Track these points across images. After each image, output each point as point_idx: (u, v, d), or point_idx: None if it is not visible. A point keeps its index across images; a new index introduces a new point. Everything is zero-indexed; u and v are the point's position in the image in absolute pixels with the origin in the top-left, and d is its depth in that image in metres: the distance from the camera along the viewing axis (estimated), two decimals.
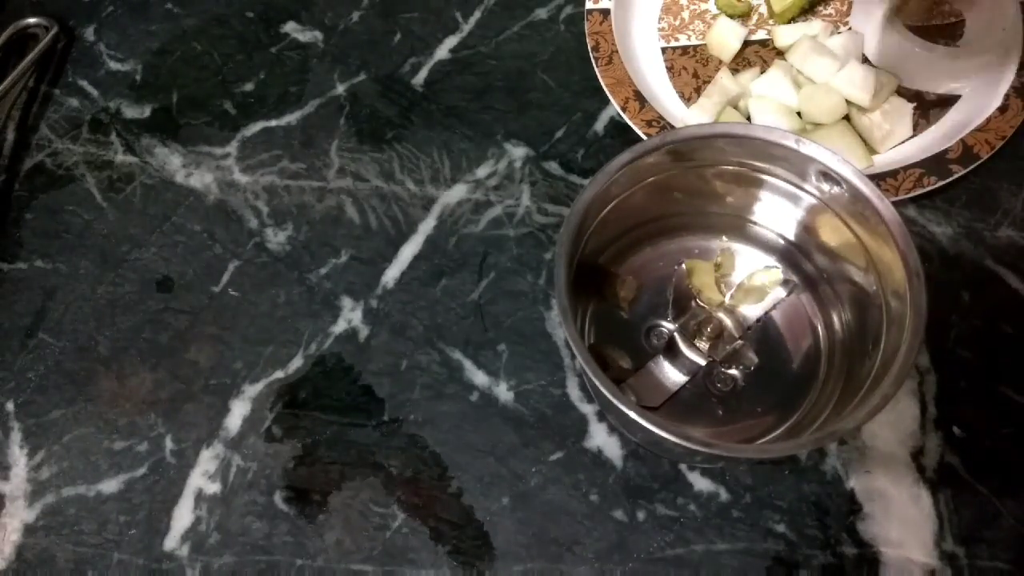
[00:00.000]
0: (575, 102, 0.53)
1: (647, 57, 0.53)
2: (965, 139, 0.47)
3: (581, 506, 0.42)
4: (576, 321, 0.35)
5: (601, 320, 0.44)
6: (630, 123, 0.49)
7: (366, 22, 0.57)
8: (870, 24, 0.51)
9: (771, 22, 0.54)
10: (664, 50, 0.54)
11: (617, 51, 0.51)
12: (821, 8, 0.54)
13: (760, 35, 0.54)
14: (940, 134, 0.49)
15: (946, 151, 0.47)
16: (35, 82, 0.56)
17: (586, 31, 0.52)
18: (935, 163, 0.46)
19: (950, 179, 0.46)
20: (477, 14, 0.56)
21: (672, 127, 0.48)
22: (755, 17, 0.54)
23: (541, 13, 0.56)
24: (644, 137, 0.48)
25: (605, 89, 0.50)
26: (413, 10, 0.57)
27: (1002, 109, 0.48)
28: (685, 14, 0.55)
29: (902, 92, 0.51)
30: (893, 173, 0.46)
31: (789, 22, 0.53)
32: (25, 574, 0.42)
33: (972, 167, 0.46)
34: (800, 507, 0.42)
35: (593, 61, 0.51)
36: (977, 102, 0.49)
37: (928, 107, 0.50)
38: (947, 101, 0.50)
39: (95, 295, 0.49)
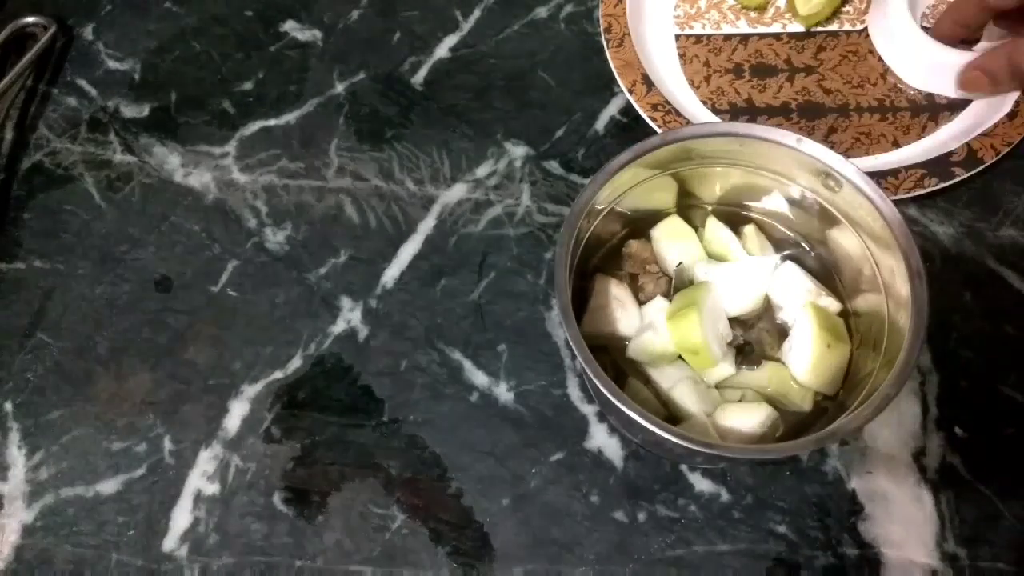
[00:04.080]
0: (575, 101, 0.53)
1: (659, 43, 0.54)
2: (970, 143, 0.47)
3: (581, 507, 0.42)
4: (576, 321, 0.35)
5: None
6: (636, 105, 0.49)
7: (365, 21, 0.57)
8: (886, 24, 0.51)
9: (787, 16, 0.54)
10: (678, 37, 0.54)
11: (629, 34, 0.51)
12: (842, 8, 0.54)
13: (775, 28, 0.54)
14: (947, 137, 0.49)
15: (950, 153, 0.46)
16: (33, 81, 0.55)
17: (600, 12, 0.52)
18: (937, 165, 0.46)
19: (951, 182, 0.46)
20: (477, 13, 0.56)
21: (677, 113, 0.48)
22: (771, 10, 0.54)
23: (541, 12, 0.56)
24: (648, 120, 0.48)
25: (614, 71, 0.50)
26: (413, 9, 0.57)
27: (1011, 115, 0.47)
28: (702, 3, 0.55)
29: (914, 96, 0.51)
30: (894, 172, 0.46)
31: (814, 26, 0.53)
32: (24, 575, 0.42)
33: (974, 171, 0.46)
34: (801, 508, 0.42)
35: (604, 42, 0.51)
36: (988, 108, 0.49)
37: (939, 110, 0.50)
38: (958, 105, 0.50)
39: (93, 295, 0.48)
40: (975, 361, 0.44)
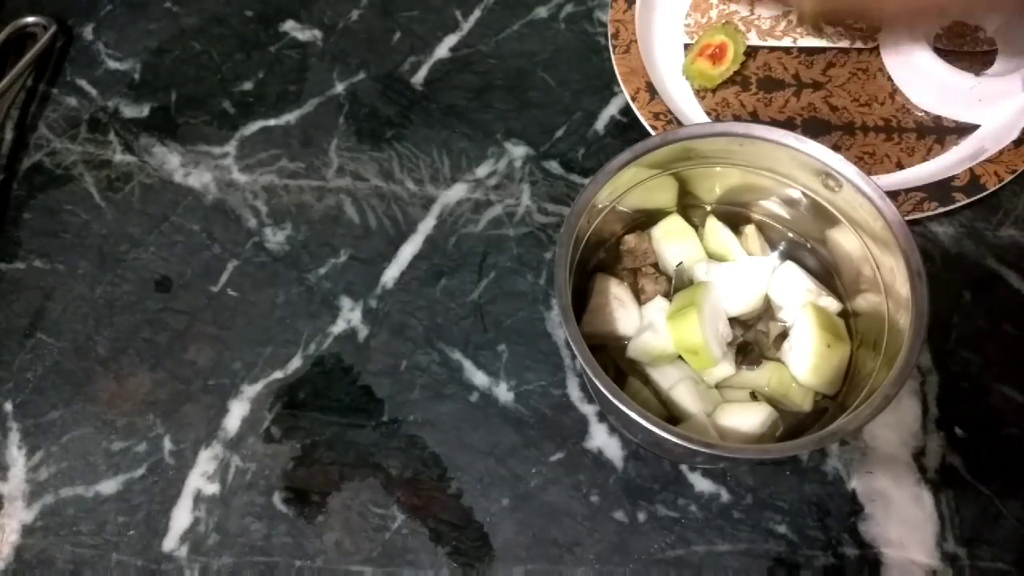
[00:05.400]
0: (575, 101, 0.53)
1: (667, 51, 0.53)
2: (974, 168, 0.46)
3: (581, 507, 0.42)
4: (576, 321, 0.35)
5: None
6: (638, 113, 0.49)
7: (365, 21, 0.57)
8: (897, 43, 0.51)
9: (799, 31, 0.53)
10: (687, 47, 0.53)
11: (636, 41, 0.51)
12: (852, 22, 0.53)
13: (785, 42, 0.53)
14: (952, 161, 0.48)
15: (952, 178, 0.46)
16: (33, 81, 0.55)
17: (608, 17, 0.52)
18: (938, 189, 0.46)
19: (951, 207, 0.45)
20: (477, 13, 0.56)
21: (679, 122, 0.48)
22: (783, 23, 0.53)
23: (541, 12, 0.56)
24: (649, 129, 0.48)
25: (618, 77, 0.50)
26: (413, 9, 0.57)
27: (1017, 143, 0.47)
28: (713, 13, 0.54)
29: (921, 118, 0.50)
30: (894, 195, 0.46)
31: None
32: (24, 575, 0.42)
33: (975, 198, 0.45)
34: (801, 508, 0.42)
35: (611, 48, 0.51)
36: (995, 133, 0.48)
37: (945, 133, 0.49)
38: (965, 130, 0.49)
39: (93, 295, 0.48)
40: (975, 361, 0.44)
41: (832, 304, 0.41)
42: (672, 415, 0.40)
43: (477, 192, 0.50)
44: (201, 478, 0.44)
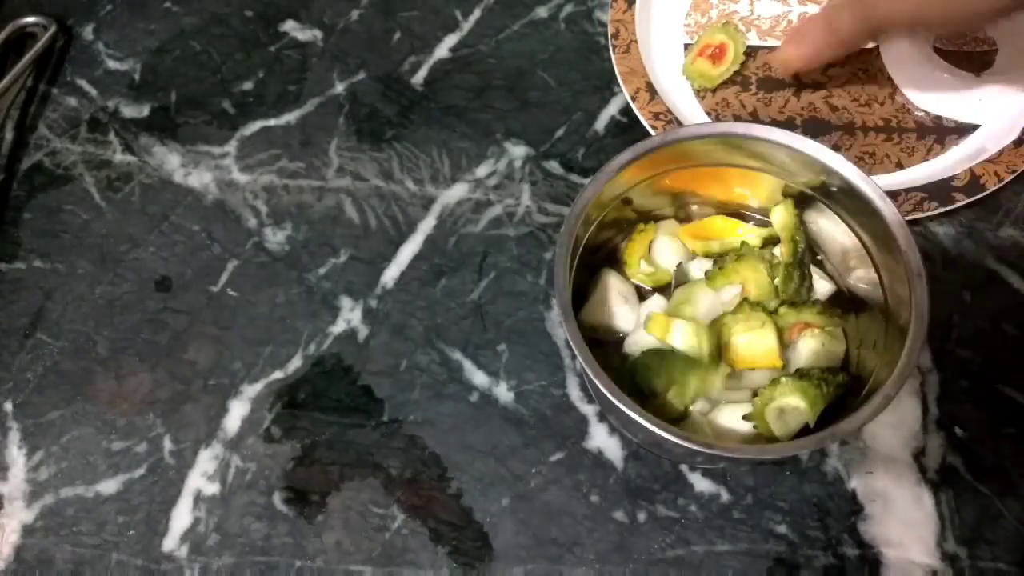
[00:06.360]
0: (575, 101, 0.53)
1: (667, 52, 0.53)
2: (974, 168, 0.46)
3: (581, 507, 0.42)
4: (576, 321, 0.35)
5: None
6: (638, 113, 0.49)
7: (365, 21, 0.57)
8: (897, 43, 0.51)
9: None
10: (687, 47, 0.53)
11: (636, 41, 0.51)
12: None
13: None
14: (952, 161, 0.48)
15: (952, 178, 0.46)
16: (33, 81, 0.55)
17: (608, 17, 0.52)
18: (938, 189, 0.46)
19: (951, 207, 0.45)
20: (477, 12, 0.56)
21: (679, 122, 0.48)
22: (783, 23, 0.53)
23: (541, 12, 0.56)
24: (649, 129, 0.48)
25: (618, 77, 0.50)
26: (413, 8, 0.57)
27: (1017, 143, 0.46)
28: (713, 13, 0.54)
29: (921, 118, 0.50)
30: (894, 195, 0.45)
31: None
32: (24, 575, 0.42)
33: (975, 198, 0.45)
34: (801, 508, 0.42)
35: (611, 48, 0.51)
36: (995, 133, 0.48)
37: (946, 133, 0.49)
38: (965, 130, 0.49)
39: (93, 295, 0.48)
40: (975, 361, 0.44)
41: (824, 287, 0.41)
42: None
43: (477, 192, 0.50)
44: (201, 478, 0.44)
